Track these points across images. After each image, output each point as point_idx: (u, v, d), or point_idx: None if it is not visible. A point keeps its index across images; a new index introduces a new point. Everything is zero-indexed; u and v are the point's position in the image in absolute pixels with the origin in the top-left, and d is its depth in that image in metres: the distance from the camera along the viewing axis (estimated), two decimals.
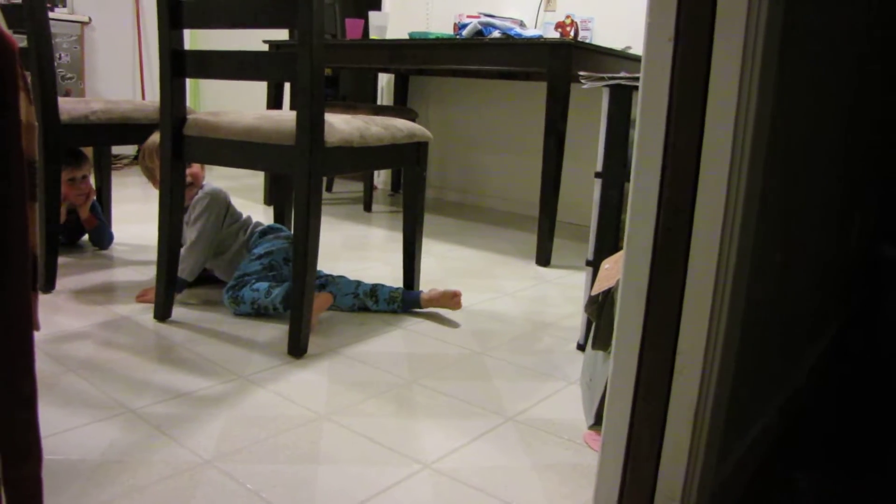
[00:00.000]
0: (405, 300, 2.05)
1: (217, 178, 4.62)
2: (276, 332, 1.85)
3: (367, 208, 3.83)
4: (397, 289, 2.07)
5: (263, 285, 1.97)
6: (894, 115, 2.23)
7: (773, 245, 1.12)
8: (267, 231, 2.15)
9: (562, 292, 2.41)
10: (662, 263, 0.93)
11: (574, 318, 2.10)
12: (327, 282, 2.09)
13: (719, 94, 0.87)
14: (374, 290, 2.06)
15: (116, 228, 2.75)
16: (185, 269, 2.00)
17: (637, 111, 0.94)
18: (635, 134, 0.95)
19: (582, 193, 3.53)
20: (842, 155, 1.60)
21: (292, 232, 1.84)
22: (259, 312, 1.96)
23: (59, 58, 4.34)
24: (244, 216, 2.22)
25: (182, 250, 2.00)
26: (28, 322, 0.52)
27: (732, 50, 0.85)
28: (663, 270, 0.93)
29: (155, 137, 2.10)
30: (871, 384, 1.83)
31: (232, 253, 2.13)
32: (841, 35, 1.36)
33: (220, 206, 2.09)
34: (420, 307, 2.07)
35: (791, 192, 1.18)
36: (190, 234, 2.05)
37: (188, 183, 2.03)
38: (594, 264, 1.75)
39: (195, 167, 2.13)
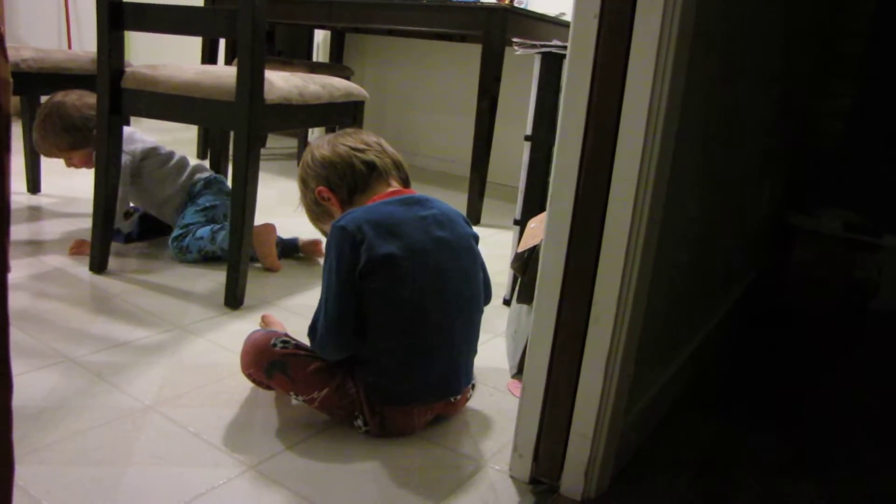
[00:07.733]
0: (285, 248, 2.20)
1: (148, 130, 4.48)
2: (212, 283, 1.89)
3: None
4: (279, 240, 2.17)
5: (206, 231, 2.04)
6: (801, 94, 2.37)
7: (687, 205, 1.23)
8: (211, 182, 2.17)
9: (490, 250, 2.49)
10: (582, 220, 1.02)
11: (501, 274, 2.20)
12: None
13: (638, 68, 0.95)
14: None
15: (45, 180, 2.71)
16: None
17: (563, 81, 1.02)
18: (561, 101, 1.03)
19: (512, 155, 3.62)
20: (756, 127, 1.72)
21: (230, 186, 1.87)
22: (207, 258, 2.05)
23: None
24: (175, 157, 2.18)
25: None
26: (3, 264, 0.55)
27: (651, 29, 0.94)
28: (582, 226, 1.02)
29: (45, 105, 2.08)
30: (774, 335, 2.00)
31: (168, 195, 2.14)
32: (763, 17, 1.46)
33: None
34: (300, 252, 2.24)
35: (706, 157, 1.29)
36: None
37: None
38: (521, 223, 1.84)
39: (75, 159, 2.14)
